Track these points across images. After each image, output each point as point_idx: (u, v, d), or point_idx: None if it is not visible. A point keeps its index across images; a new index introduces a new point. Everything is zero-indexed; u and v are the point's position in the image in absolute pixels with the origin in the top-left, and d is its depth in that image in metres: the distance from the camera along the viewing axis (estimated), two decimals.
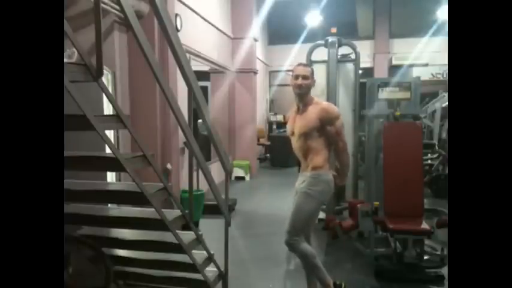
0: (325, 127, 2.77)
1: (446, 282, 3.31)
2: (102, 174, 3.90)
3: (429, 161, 6.99)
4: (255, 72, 8.77)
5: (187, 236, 2.52)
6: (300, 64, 2.94)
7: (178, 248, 2.41)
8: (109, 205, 3.02)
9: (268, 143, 10.80)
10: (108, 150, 1.90)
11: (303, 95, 2.84)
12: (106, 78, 4.23)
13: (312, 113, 2.79)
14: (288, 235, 2.78)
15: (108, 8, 3.81)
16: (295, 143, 2.90)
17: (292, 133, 2.91)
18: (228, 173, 2.87)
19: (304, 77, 2.80)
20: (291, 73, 2.93)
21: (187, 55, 4.89)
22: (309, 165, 2.81)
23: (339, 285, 2.90)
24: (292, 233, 2.77)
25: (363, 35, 11.69)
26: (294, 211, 2.82)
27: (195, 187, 3.51)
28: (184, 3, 5.62)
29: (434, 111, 7.65)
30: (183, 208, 2.45)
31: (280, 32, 11.80)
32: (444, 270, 3.40)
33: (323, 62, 5.08)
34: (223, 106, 8.41)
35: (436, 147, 6.93)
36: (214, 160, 6.53)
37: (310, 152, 2.80)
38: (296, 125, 2.86)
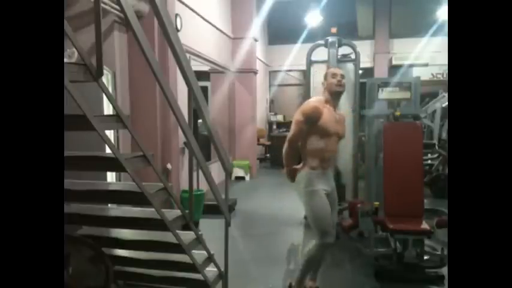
0: None
1: (446, 282, 3.31)
2: (102, 174, 3.90)
3: (429, 161, 6.98)
4: (255, 72, 8.76)
5: (187, 236, 2.52)
6: (331, 67, 3.03)
7: (178, 248, 2.41)
8: (109, 205, 3.02)
9: (268, 143, 10.80)
10: (108, 150, 1.90)
11: (341, 94, 2.92)
12: (106, 78, 4.23)
13: (342, 119, 2.98)
14: (318, 239, 2.79)
15: (108, 8, 3.81)
16: (333, 143, 2.86)
17: (330, 133, 2.83)
18: (228, 173, 2.87)
19: (342, 76, 2.89)
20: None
21: (187, 55, 4.89)
22: (331, 165, 2.97)
23: None
24: (320, 235, 2.78)
25: (363, 35, 11.68)
26: (310, 215, 2.86)
27: (195, 187, 3.51)
28: (184, 3, 5.62)
29: (434, 111, 7.65)
30: (183, 208, 2.45)
31: (280, 32, 11.79)
32: (444, 270, 3.40)
33: (323, 62, 5.09)
34: (223, 106, 8.41)
35: (436, 147, 6.93)
36: (214, 160, 6.53)
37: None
38: (338, 127, 2.88)
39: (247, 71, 8.49)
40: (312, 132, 2.80)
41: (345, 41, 5.19)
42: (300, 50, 10.36)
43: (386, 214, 3.53)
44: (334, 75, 2.86)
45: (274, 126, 11.71)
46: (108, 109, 3.79)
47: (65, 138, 1.27)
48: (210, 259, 2.76)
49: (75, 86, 1.53)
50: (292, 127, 2.86)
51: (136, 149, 2.13)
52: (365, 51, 10.58)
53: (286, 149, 2.91)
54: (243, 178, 8.36)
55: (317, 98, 2.97)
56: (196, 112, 2.47)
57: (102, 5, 1.78)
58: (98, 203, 2.77)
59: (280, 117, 11.83)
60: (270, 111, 12.22)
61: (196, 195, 4.24)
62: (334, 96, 2.87)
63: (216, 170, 5.89)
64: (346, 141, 3.22)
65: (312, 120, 2.78)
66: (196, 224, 4.55)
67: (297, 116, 2.84)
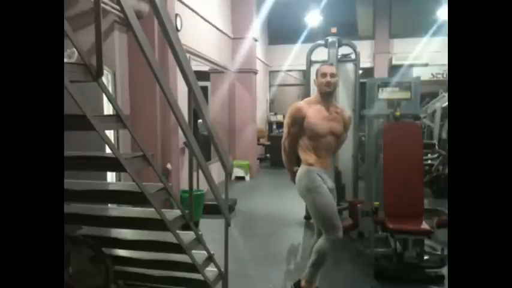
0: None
1: (446, 282, 3.31)
2: (102, 174, 3.90)
3: (429, 161, 6.99)
4: (255, 72, 8.76)
5: (187, 236, 2.52)
6: (324, 64, 3.05)
7: (178, 248, 2.41)
8: (109, 205, 3.02)
9: (268, 143, 10.79)
10: (108, 150, 1.90)
11: (331, 93, 2.88)
12: (106, 78, 4.23)
13: (340, 117, 2.91)
14: (328, 235, 2.77)
15: (108, 8, 3.81)
16: (328, 142, 2.87)
17: (320, 132, 2.83)
18: (228, 173, 2.87)
19: (332, 75, 2.83)
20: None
21: (187, 55, 4.89)
22: (331, 164, 2.98)
23: None
24: (330, 231, 2.76)
25: (363, 35, 11.68)
26: (315, 213, 2.84)
27: (195, 187, 3.51)
28: (184, 3, 5.62)
29: (434, 111, 7.65)
30: (183, 208, 2.45)
31: (280, 32, 11.79)
32: (444, 270, 3.40)
33: (323, 62, 5.09)
34: (223, 106, 8.41)
35: (436, 147, 6.93)
36: (214, 160, 6.53)
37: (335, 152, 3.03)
38: (332, 125, 2.86)
39: (247, 71, 8.48)
40: (304, 133, 2.87)
41: (345, 41, 5.19)
42: (300, 50, 10.36)
43: (387, 214, 3.53)
44: (323, 74, 2.84)
45: (274, 126, 11.70)
46: (108, 109, 3.79)
47: (65, 138, 1.27)
48: (210, 259, 2.76)
49: (75, 86, 1.53)
50: (284, 130, 3.00)
51: (136, 149, 2.13)
52: (365, 51, 10.58)
53: (282, 153, 3.03)
54: (243, 178, 8.35)
55: (307, 98, 3.04)
56: (196, 112, 2.46)
57: (102, 5, 1.78)
58: (98, 203, 2.77)
59: (280, 117, 11.82)
60: (270, 111, 12.22)
61: (196, 195, 4.24)
62: (324, 95, 2.88)
63: (216, 170, 5.89)
64: (346, 141, 3.21)
65: (298, 122, 2.85)
66: (196, 224, 4.55)
67: (285, 119, 2.97)
